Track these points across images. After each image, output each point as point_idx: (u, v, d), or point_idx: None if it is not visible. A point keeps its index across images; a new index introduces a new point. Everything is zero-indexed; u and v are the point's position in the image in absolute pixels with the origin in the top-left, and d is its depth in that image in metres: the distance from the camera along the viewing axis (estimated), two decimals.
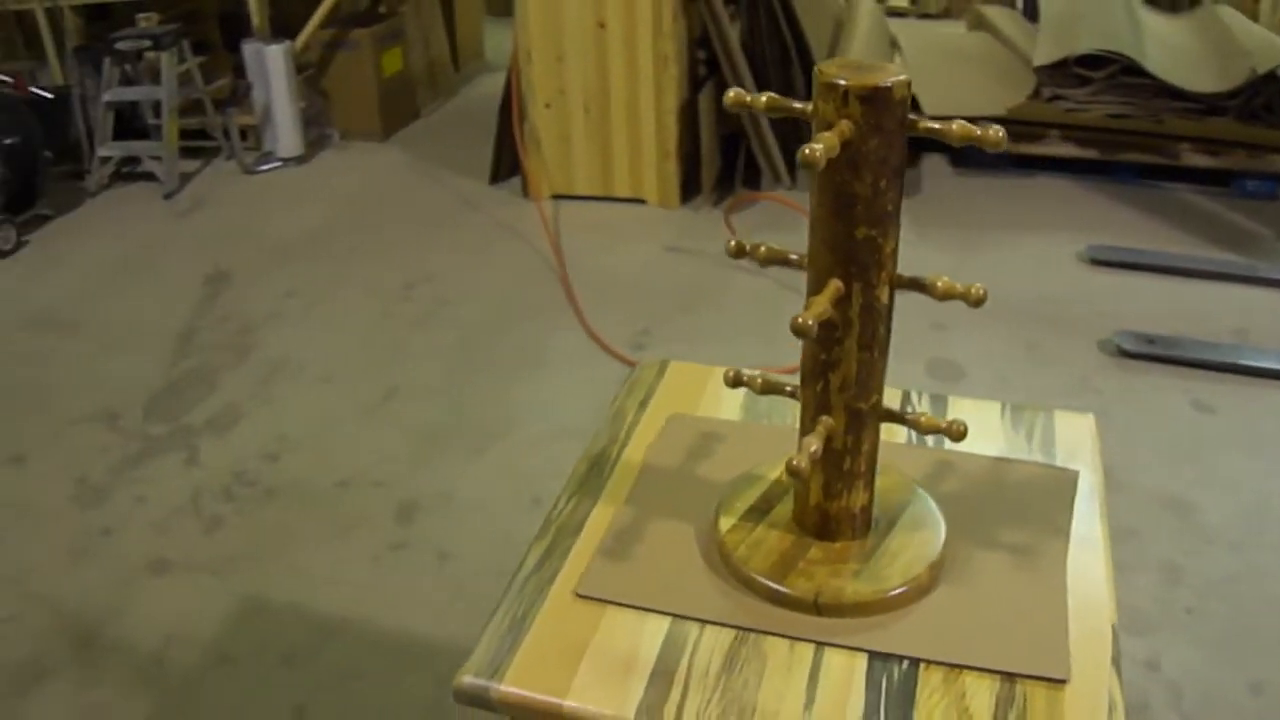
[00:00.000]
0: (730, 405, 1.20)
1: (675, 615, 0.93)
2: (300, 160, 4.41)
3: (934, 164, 4.15)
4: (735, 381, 0.93)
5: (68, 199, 4.20)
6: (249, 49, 4.19)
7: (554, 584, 0.98)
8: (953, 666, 0.85)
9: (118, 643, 2.15)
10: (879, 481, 1.01)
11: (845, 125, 0.74)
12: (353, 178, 4.32)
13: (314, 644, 2.11)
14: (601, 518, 1.04)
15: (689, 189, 3.72)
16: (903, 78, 0.74)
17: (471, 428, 2.74)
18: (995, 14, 4.32)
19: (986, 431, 1.11)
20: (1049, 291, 3.25)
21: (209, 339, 3.24)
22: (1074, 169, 3.83)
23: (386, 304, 3.36)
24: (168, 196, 4.17)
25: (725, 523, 0.99)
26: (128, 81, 4.10)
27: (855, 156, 0.76)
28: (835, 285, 0.81)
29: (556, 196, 3.88)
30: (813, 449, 0.85)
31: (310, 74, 4.52)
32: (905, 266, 3.31)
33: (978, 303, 0.78)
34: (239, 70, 4.34)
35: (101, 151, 4.12)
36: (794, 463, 0.84)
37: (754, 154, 3.66)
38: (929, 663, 0.86)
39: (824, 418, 0.88)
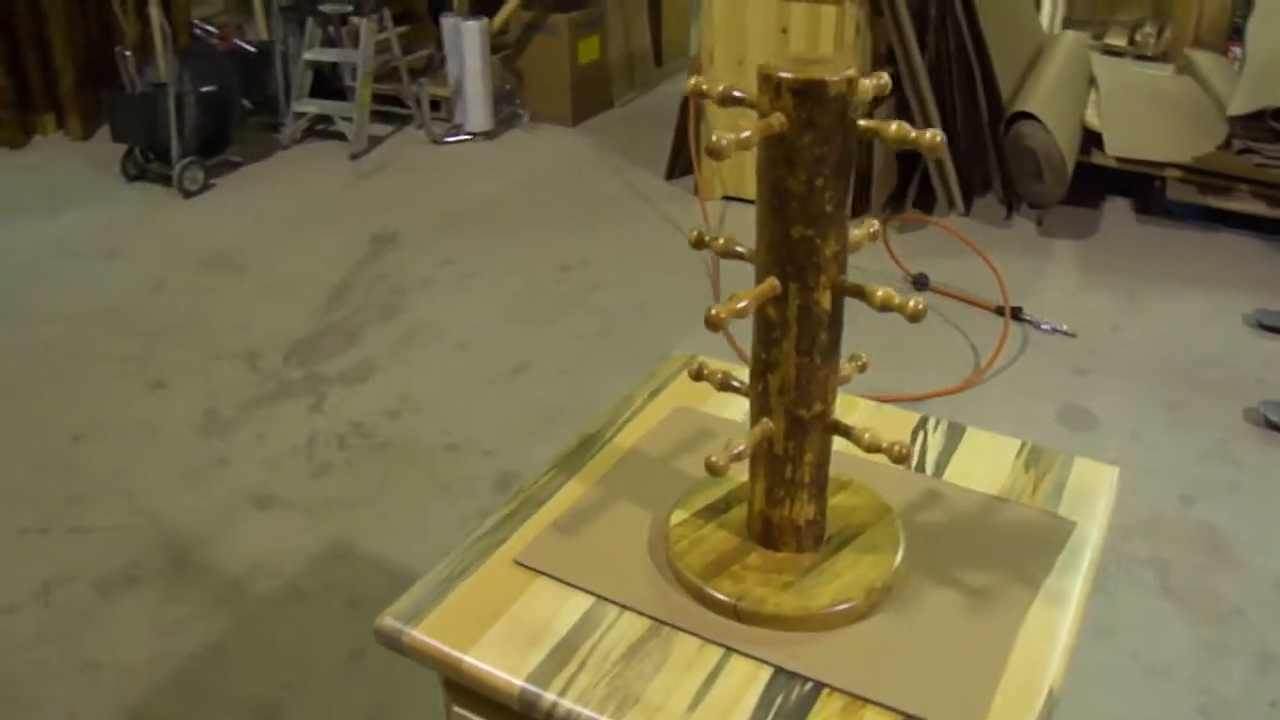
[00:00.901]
0: (740, 405, 1.20)
1: (598, 596, 0.94)
2: (488, 136, 4.58)
3: (1117, 208, 3.94)
4: (696, 375, 0.93)
5: (260, 149, 4.51)
6: (448, 23, 4.39)
7: (499, 549, 1.00)
8: (856, 698, 0.83)
9: (206, 564, 2.31)
10: (847, 499, 0.99)
11: (776, 118, 0.73)
12: (534, 158, 4.46)
13: (383, 594, 2.21)
14: (570, 494, 1.06)
15: (859, 204, 3.67)
16: (845, 75, 0.73)
17: (590, 413, 2.79)
18: (1203, 59, 4.06)
19: (996, 468, 1.06)
20: (1205, 351, 3.05)
21: (361, 296, 3.42)
22: (1260, 227, 3.57)
23: (538, 282, 3.46)
24: (354, 157, 4.42)
25: (677, 516, 0.99)
26: (329, 43, 4.37)
27: (790, 152, 0.75)
28: (770, 283, 0.80)
29: (727, 198, 3.90)
30: (738, 448, 0.84)
31: (507, 54, 4.69)
32: (1065, 306, 3.17)
33: (914, 316, 0.76)
34: (439, 43, 4.55)
35: (296, 107, 4.40)
36: (712, 458, 0.84)
37: (930, 176, 3.58)
38: (833, 689, 0.84)
39: (764, 420, 0.88)
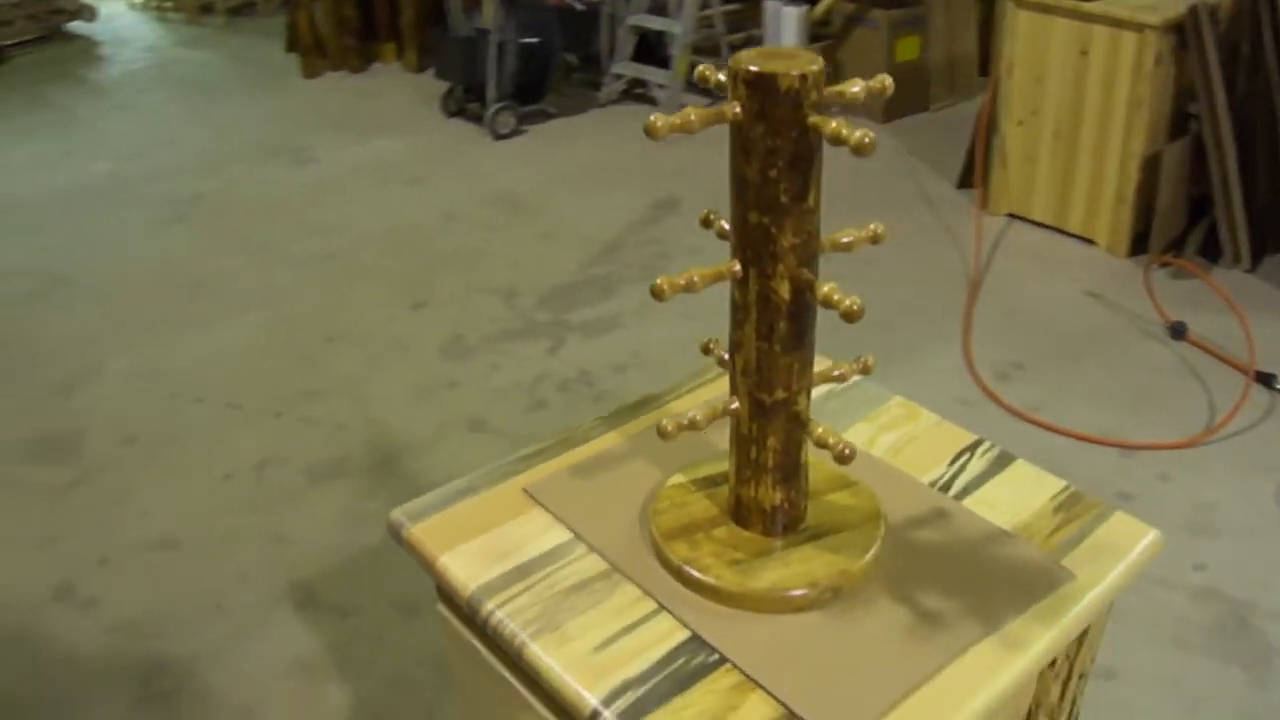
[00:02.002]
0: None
1: (575, 534, 1.02)
2: None
3: None
4: (705, 349, 0.98)
5: (577, 104, 4.80)
6: (770, 6, 4.48)
7: (517, 476, 1.11)
8: (749, 680, 0.86)
9: (408, 472, 2.57)
10: (844, 498, 1.01)
11: (730, 107, 0.78)
12: (834, 149, 4.48)
13: None
14: (602, 444, 1.15)
15: (1141, 241, 3.44)
16: (801, 71, 0.76)
17: None
18: None
19: (1023, 503, 1.04)
20: None
21: (628, 255, 3.61)
22: None
23: None
24: None
25: (675, 479, 1.05)
26: (657, 10, 4.57)
27: (745, 141, 0.79)
28: (731, 265, 0.85)
29: (1011, 215, 3.77)
30: (690, 417, 0.89)
31: (827, 44, 4.72)
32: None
33: (847, 315, 0.78)
34: (761, 24, 4.65)
35: (615, 69, 4.65)
36: (664, 422, 0.90)
37: (1218, 224, 3.29)
38: (734, 667, 0.88)
39: (733, 398, 0.92)
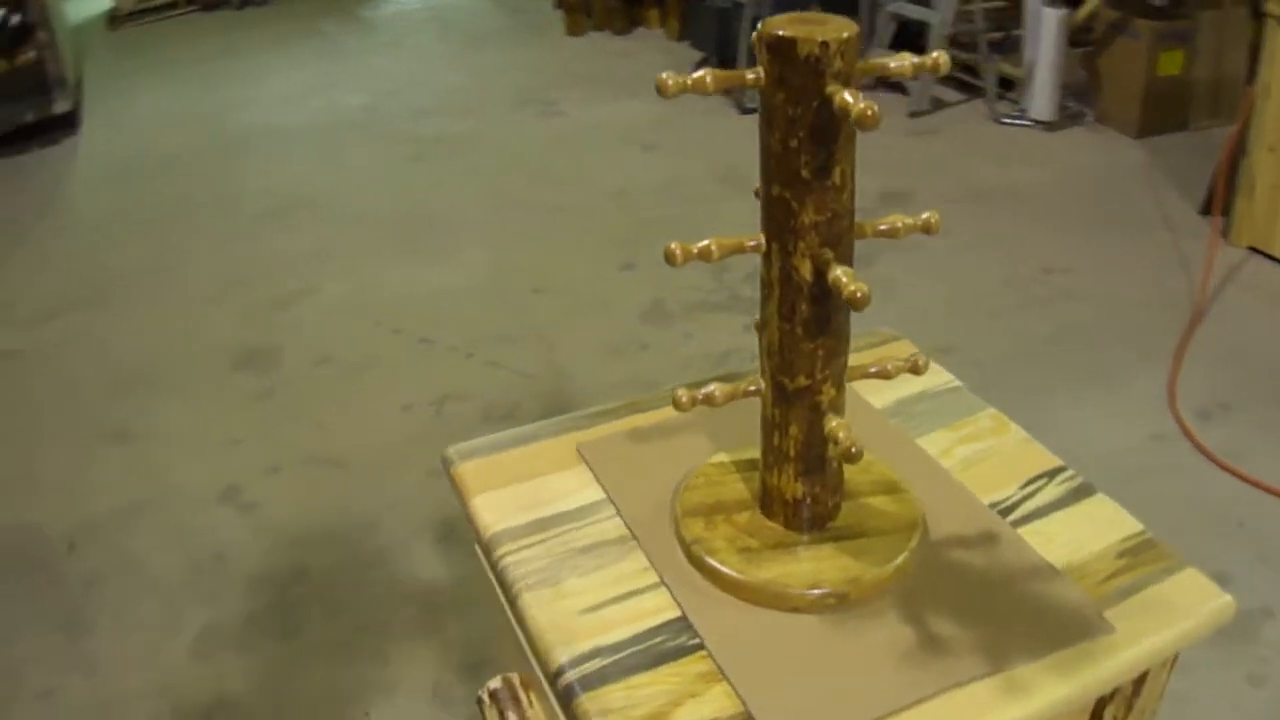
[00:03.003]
0: (904, 388, 1.19)
1: (607, 496, 1.03)
2: (1047, 127, 4.42)
3: None
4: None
5: None
6: (1030, 6, 4.27)
7: (576, 432, 1.12)
8: (719, 671, 0.85)
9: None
10: (885, 503, 0.97)
11: (754, 71, 0.75)
12: (1082, 159, 4.24)
13: None
14: (666, 412, 1.15)
15: None
16: (824, 38, 0.73)
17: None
18: None
19: (1087, 541, 0.95)
20: None
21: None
22: None
23: (1016, 275, 3.34)
24: (912, 114, 4.49)
25: (719, 458, 1.04)
26: (917, 0, 4.44)
27: (767, 109, 0.77)
28: (757, 237, 0.83)
29: (1252, 249, 3.45)
30: (707, 392, 0.88)
31: (1087, 50, 4.46)
32: None
33: (851, 300, 0.74)
34: (1021, 24, 4.44)
35: (870, 55, 4.56)
36: (678, 392, 0.89)
37: None
38: (709, 655, 0.86)
39: (757, 378, 0.90)
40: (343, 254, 3.57)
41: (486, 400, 2.76)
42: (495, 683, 1.12)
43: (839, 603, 0.89)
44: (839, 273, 0.76)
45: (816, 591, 0.88)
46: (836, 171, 0.76)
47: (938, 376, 1.19)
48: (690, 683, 0.83)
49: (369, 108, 4.82)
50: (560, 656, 0.87)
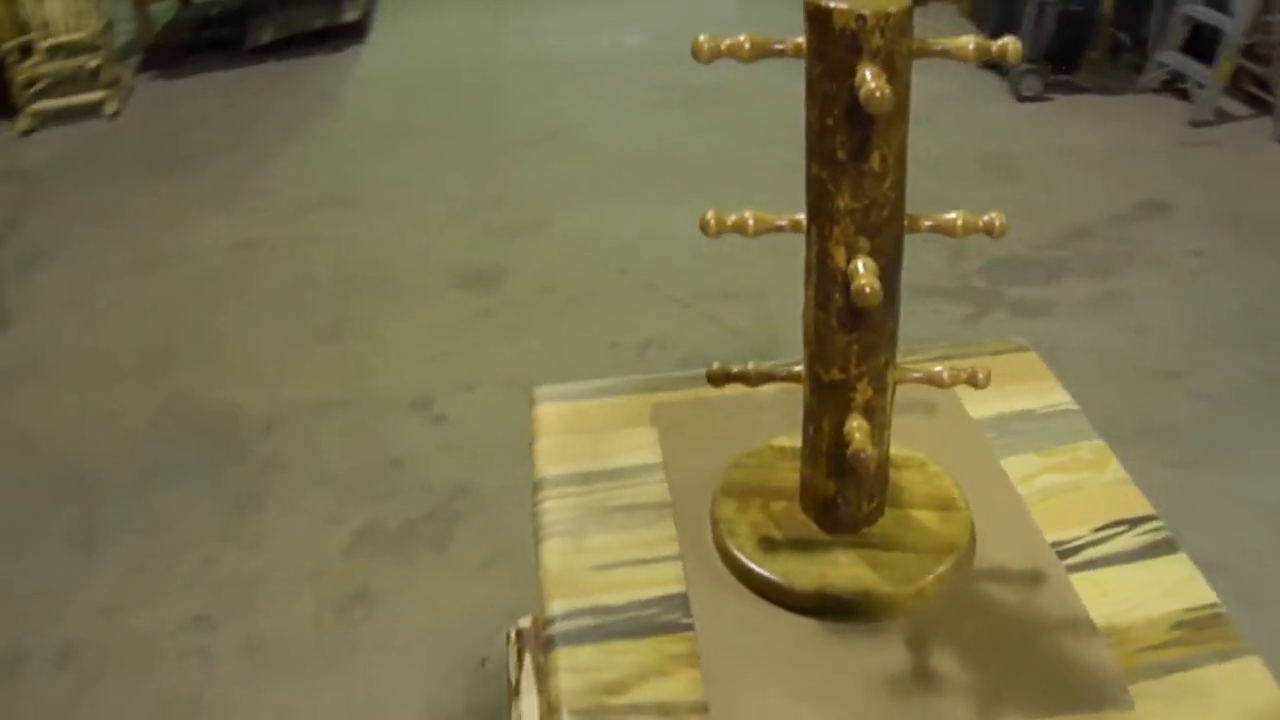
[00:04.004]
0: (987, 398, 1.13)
1: (663, 458, 1.04)
2: None
3: None
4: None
5: (1113, 84, 4.41)
6: None
7: (658, 394, 1.13)
8: (693, 653, 0.84)
9: None
10: (932, 519, 0.92)
11: (793, 40, 0.73)
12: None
13: None
14: (740, 390, 1.13)
15: None
16: (862, 10, 0.69)
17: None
18: None
19: (1146, 601, 0.88)
20: None
21: (1091, 246, 3.30)
22: None
23: (1264, 311, 3.04)
24: (1193, 124, 4.16)
25: (780, 440, 1.02)
26: (1216, 4, 4.08)
27: (809, 82, 0.74)
28: (791, 215, 0.80)
29: None
30: (738, 369, 0.87)
31: None
32: None
33: (857, 294, 0.71)
34: None
35: (1158, 56, 4.24)
36: (715, 365, 0.88)
37: None
38: (690, 637, 0.86)
39: (795, 365, 0.88)
40: (586, 190, 3.67)
41: (690, 350, 2.79)
42: (524, 621, 1.15)
43: (845, 612, 0.86)
44: (858, 263, 0.73)
45: (819, 598, 0.86)
46: (875, 156, 0.73)
47: (1054, 396, 1.12)
48: (663, 660, 0.84)
49: (644, 49, 4.90)
50: (556, 607, 0.89)
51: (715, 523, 0.94)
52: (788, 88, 3.38)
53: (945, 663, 0.82)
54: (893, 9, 0.69)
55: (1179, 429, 2.52)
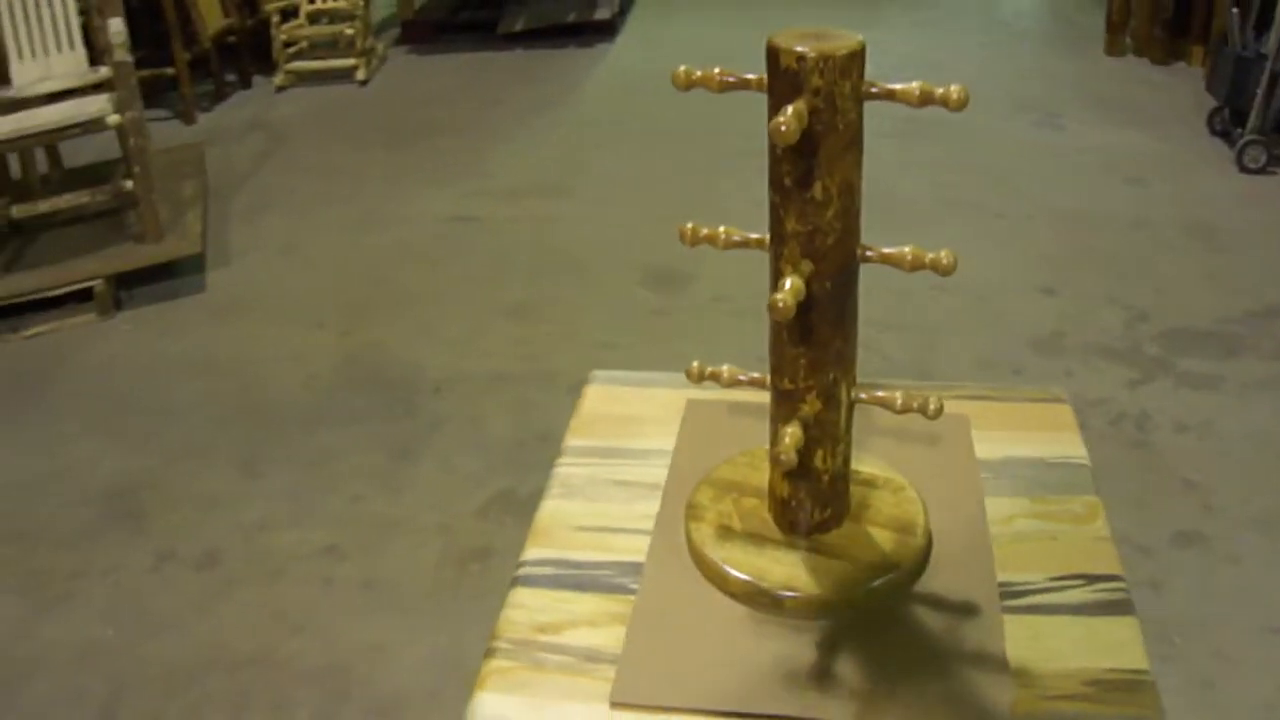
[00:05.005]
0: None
1: (675, 446, 1.15)
2: None
3: None
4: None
5: None
6: None
7: (691, 392, 1.24)
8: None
9: None
10: (882, 536, 0.99)
11: (760, 77, 0.82)
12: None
13: None
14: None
15: None
16: (802, 50, 0.77)
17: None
18: None
19: (1076, 654, 0.89)
20: None
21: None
22: None
23: None
24: None
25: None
26: None
27: (768, 114, 0.83)
28: (760, 236, 0.90)
29: None
30: (718, 370, 0.97)
31: None
32: None
33: (770, 307, 0.80)
34: None
35: None
36: (692, 367, 0.98)
37: None
38: (631, 601, 0.96)
39: (760, 373, 0.97)
40: None
41: None
42: None
43: (773, 606, 0.94)
44: (785, 280, 0.82)
45: (754, 587, 0.94)
46: (818, 185, 0.82)
47: (1069, 449, 1.15)
48: (600, 615, 0.95)
49: (880, 79, 4.93)
50: (529, 554, 1.02)
51: (688, 507, 1.03)
52: (997, 128, 3.40)
53: (845, 667, 0.90)
54: (840, 51, 0.78)
55: None
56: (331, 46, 4.95)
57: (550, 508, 1.08)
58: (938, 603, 0.96)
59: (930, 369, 2.88)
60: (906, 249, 0.87)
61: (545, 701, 0.88)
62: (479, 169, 4.09)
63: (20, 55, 3.35)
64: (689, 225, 0.90)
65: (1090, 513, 1.07)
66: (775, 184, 0.84)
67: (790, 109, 0.76)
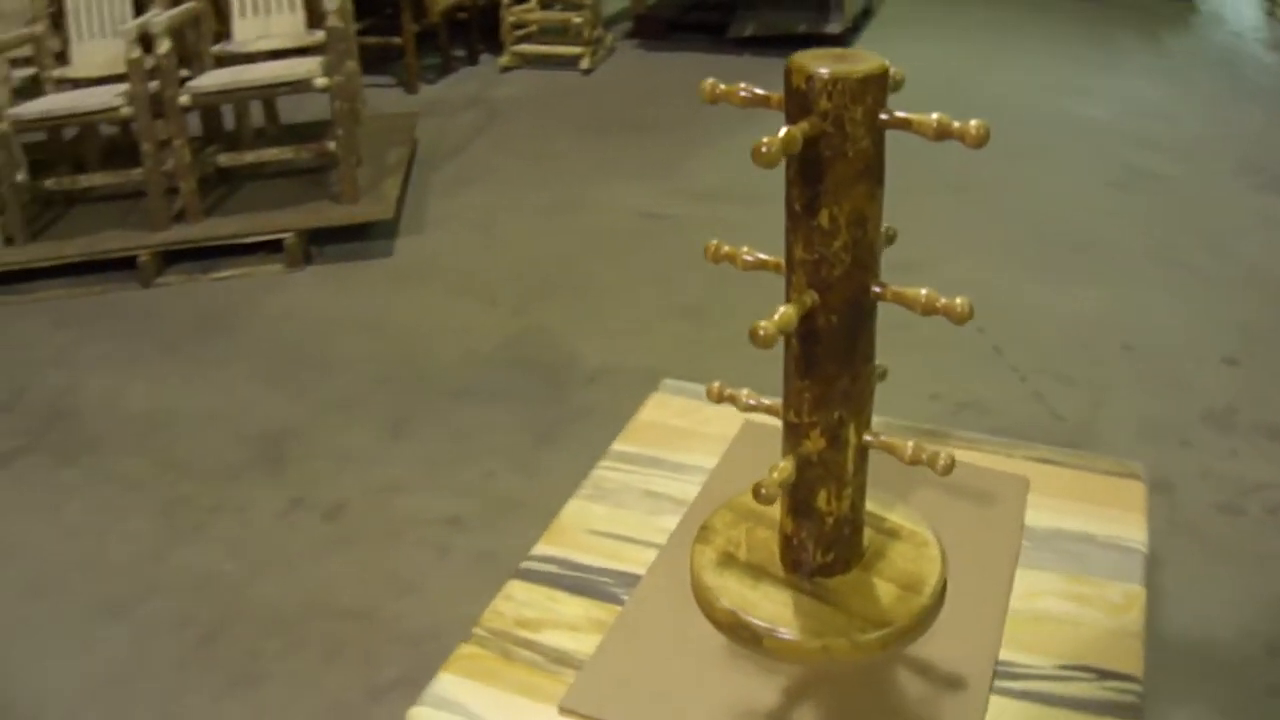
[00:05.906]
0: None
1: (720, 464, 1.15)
2: None
3: None
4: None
5: None
6: None
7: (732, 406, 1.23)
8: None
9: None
10: (886, 590, 0.96)
11: (778, 96, 0.81)
12: None
13: None
14: None
15: None
16: (813, 70, 0.76)
17: None
18: None
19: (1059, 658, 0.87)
20: None
21: None
22: None
23: None
24: None
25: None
26: None
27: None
28: (776, 258, 0.88)
29: None
30: (733, 392, 0.96)
31: None
32: None
33: (751, 334, 0.79)
34: None
35: None
36: (715, 384, 0.98)
37: None
38: (619, 614, 0.97)
39: (776, 401, 0.95)
40: (976, 243, 3.64)
41: (1003, 422, 2.73)
42: None
43: (752, 641, 0.94)
44: (780, 307, 0.81)
45: (736, 619, 0.94)
46: (824, 213, 0.80)
47: (1128, 530, 1.09)
48: (580, 620, 0.96)
49: (1102, 123, 4.70)
50: (539, 549, 1.04)
51: (700, 529, 1.03)
52: (1217, 186, 3.18)
53: (807, 716, 0.88)
54: (854, 74, 0.76)
55: None
56: (560, 33, 5.10)
57: (574, 507, 1.10)
58: (925, 669, 0.93)
59: (1094, 429, 2.73)
60: (922, 291, 0.85)
61: (501, 694, 0.90)
62: (680, 168, 4.12)
63: (243, 13, 3.61)
64: (714, 242, 0.90)
65: (1128, 603, 1.01)
66: (787, 208, 0.83)
67: (783, 131, 0.74)
